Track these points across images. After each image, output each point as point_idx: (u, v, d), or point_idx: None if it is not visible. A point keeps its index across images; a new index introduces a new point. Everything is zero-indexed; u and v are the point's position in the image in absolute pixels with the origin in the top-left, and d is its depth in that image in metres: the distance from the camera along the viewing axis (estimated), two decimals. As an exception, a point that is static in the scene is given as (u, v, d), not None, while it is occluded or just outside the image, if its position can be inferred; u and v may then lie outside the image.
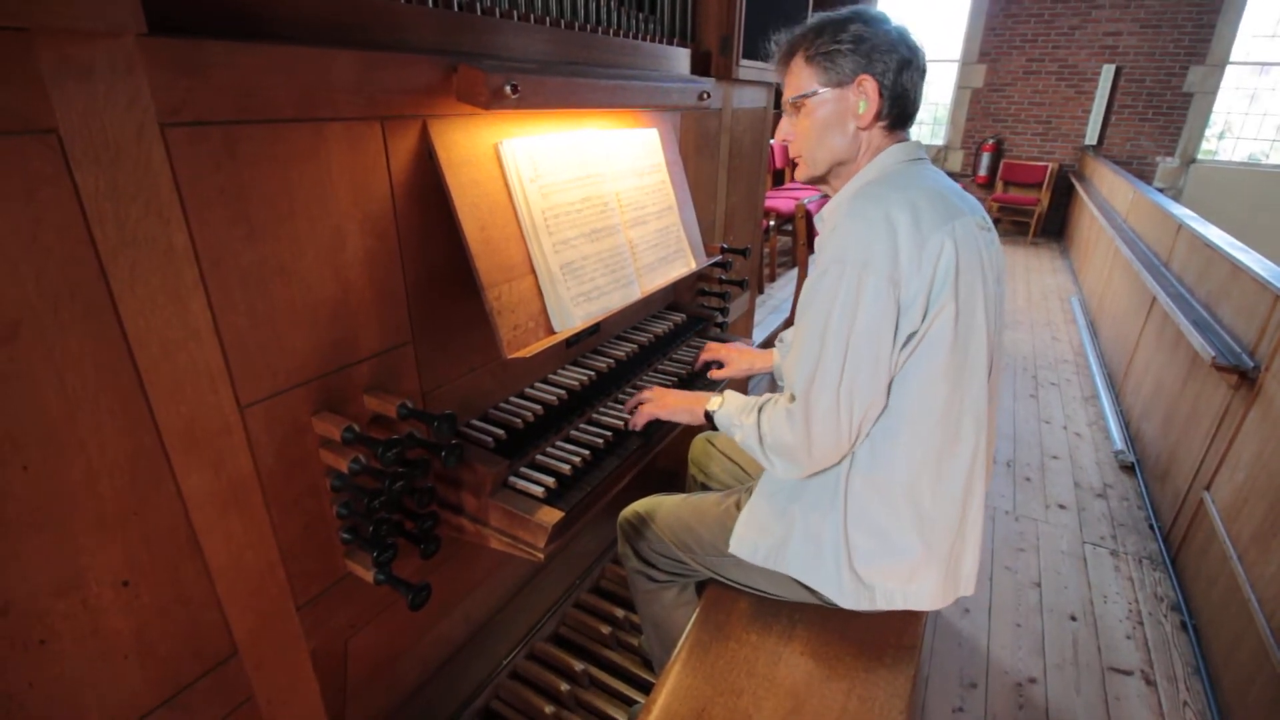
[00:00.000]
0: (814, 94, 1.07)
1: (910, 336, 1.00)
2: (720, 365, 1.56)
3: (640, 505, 1.46)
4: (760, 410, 1.11)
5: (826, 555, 1.12)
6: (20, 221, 0.61)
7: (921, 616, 1.26)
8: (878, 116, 1.06)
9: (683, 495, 1.44)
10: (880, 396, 1.02)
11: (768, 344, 3.46)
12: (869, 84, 1.03)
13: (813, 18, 1.09)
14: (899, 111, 1.07)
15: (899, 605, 1.12)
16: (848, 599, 1.12)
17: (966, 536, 1.14)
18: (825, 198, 4.02)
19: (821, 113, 1.08)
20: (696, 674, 1.13)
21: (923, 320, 0.99)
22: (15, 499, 0.65)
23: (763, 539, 1.18)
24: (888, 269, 0.96)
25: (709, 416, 1.22)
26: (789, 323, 3.48)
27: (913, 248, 0.96)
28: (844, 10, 1.06)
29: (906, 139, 1.11)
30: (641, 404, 1.30)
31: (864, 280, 0.96)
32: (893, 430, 1.05)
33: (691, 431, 1.59)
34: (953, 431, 1.06)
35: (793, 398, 1.05)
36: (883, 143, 1.09)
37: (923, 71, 1.06)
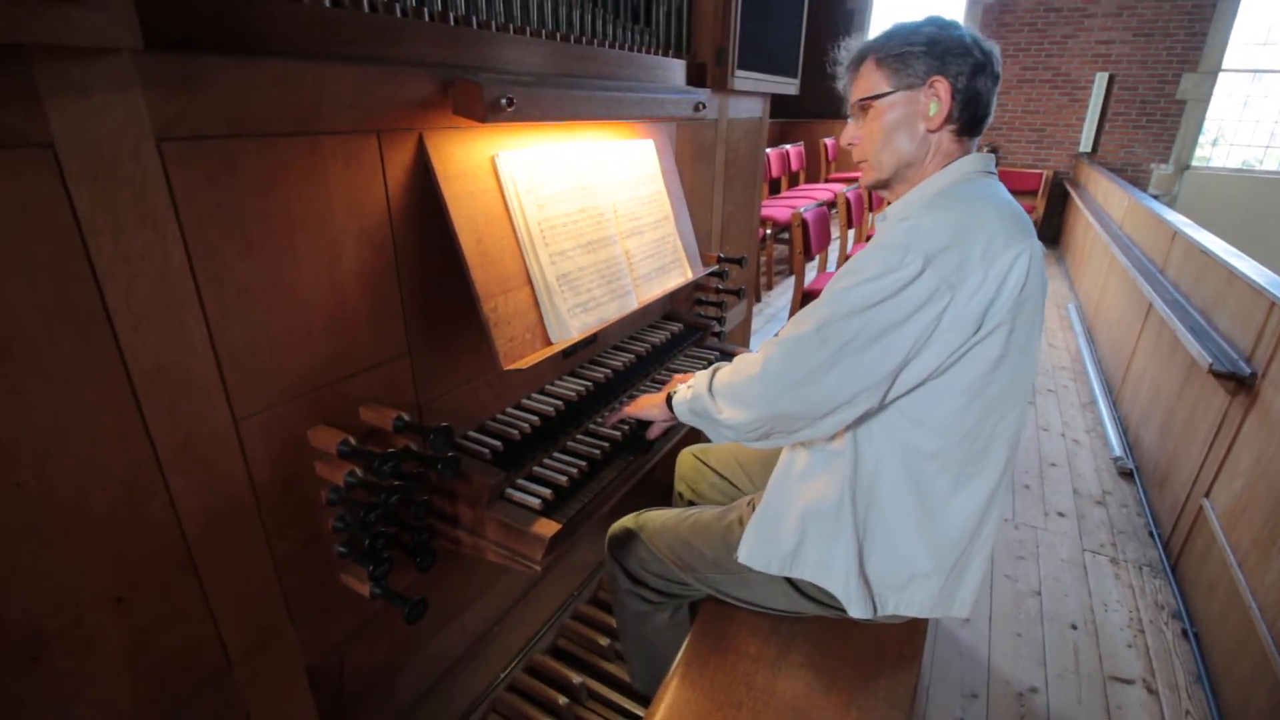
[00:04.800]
0: (884, 95, 1.05)
1: (959, 347, 0.96)
2: None
3: (628, 522, 1.43)
4: (717, 369, 1.12)
5: (839, 559, 1.11)
6: (15, 236, 0.61)
7: (922, 627, 1.26)
8: (948, 119, 1.03)
9: (674, 511, 1.40)
10: (874, 392, 0.98)
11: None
12: (941, 85, 1.01)
13: (887, 25, 1.09)
14: (970, 116, 1.04)
15: (890, 610, 1.11)
16: (855, 606, 1.11)
17: (974, 555, 1.12)
18: (823, 206, 3.98)
19: (890, 115, 1.05)
20: (695, 688, 1.12)
21: (974, 334, 0.96)
22: (7, 516, 0.65)
23: (775, 550, 1.16)
24: (948, 272, 0.92)
25: (670, 402, 1.20)
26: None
27: (981, 262, 0.93)
28: (918, 18, 1.06)
29: (975, 148, 1.09)
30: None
31: (923, 272, 0.92)
32: (916, 437, 1.04)
33: (683, 443, 1.57)
34: (980, 448, 1.05)
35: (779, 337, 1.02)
36: (951, 148, 1.06)
37: (996, 78, 1.04)
